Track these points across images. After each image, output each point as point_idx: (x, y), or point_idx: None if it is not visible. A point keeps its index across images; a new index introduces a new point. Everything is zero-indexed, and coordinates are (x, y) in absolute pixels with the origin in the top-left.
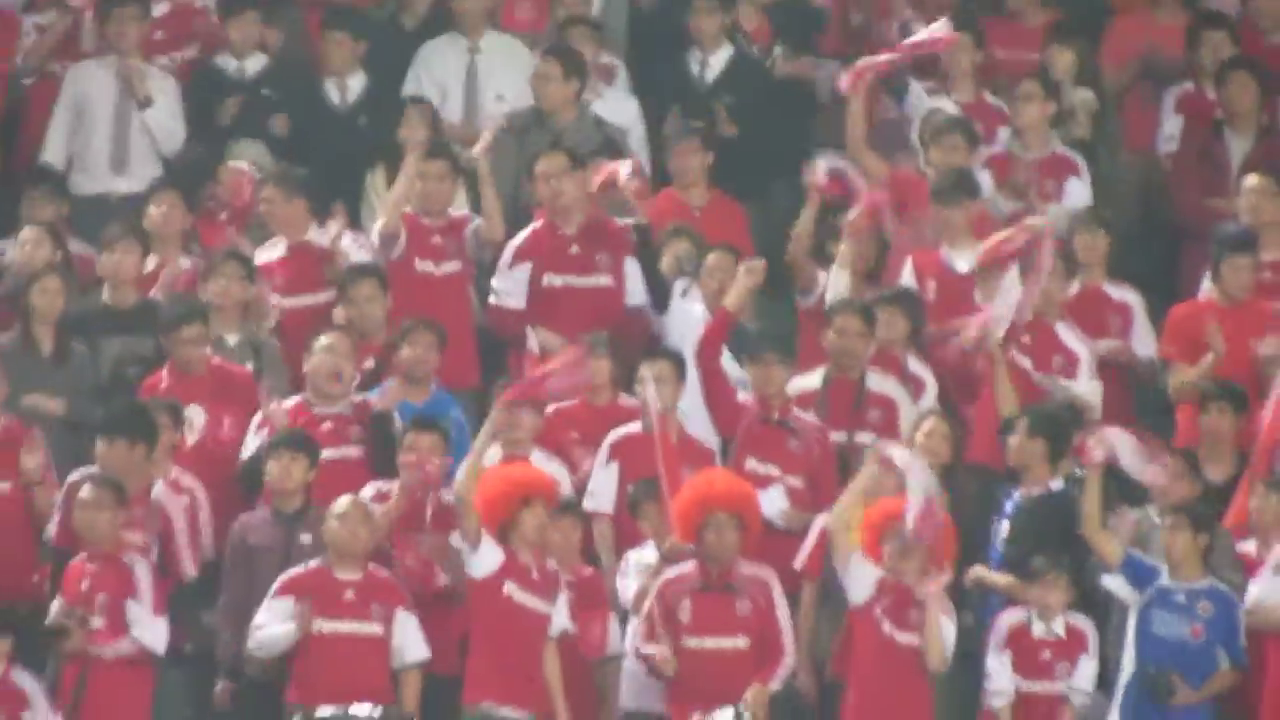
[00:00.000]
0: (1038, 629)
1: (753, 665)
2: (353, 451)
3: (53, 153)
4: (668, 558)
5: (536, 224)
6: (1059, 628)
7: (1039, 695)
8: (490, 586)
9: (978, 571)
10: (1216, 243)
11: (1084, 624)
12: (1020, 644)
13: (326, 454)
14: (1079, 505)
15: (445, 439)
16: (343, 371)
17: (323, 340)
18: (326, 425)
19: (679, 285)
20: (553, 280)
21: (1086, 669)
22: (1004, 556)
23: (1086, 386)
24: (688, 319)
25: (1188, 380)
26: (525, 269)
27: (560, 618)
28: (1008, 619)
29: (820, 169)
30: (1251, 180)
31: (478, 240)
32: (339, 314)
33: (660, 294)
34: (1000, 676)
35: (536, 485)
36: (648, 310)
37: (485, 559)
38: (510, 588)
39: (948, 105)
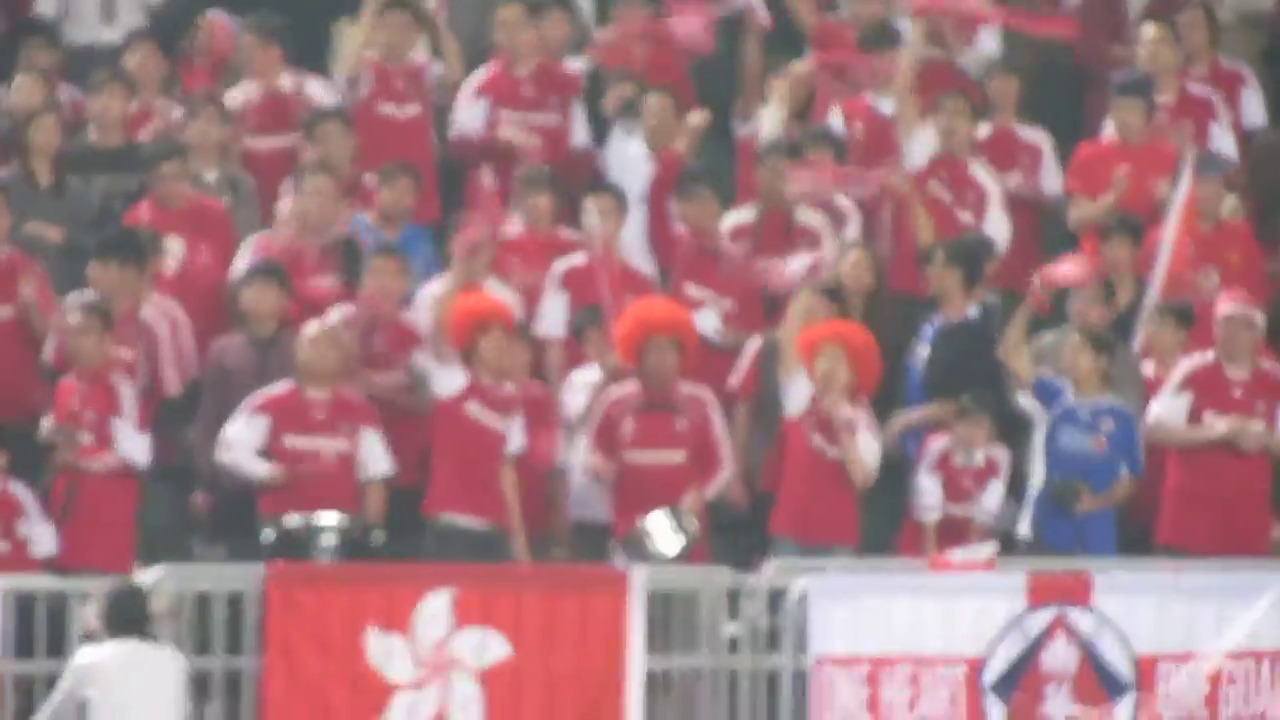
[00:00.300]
0: (960, 457)
1: (691, 477)
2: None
3: (45, 3)
4: (612, 376)
5: (494, 65)
6: (979, 459)
7: (957, 518)
8: (454, 406)
9: (898, 418)
10: (1114, 88)
11: (1000, 454)
12: (944, 469)
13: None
14: (994, 331)
15: (406, 265)
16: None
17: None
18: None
19: (621, 125)
20: (510, 116)
21: (994, 491)
22: (923, 379)
23: (996, 221)
24: (627, 157)
25: (1090, 215)
26: (483, 105)
27: (516, 437)
28: (936, 444)
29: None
30: (1148, 29)
31: (439, 84)
32: (309, 153)
33: (601, 132)
34: (931, 494)
35: (495, 312)
36: (591, 148)
37: (450, 380)
38: (472, 407)
39: None
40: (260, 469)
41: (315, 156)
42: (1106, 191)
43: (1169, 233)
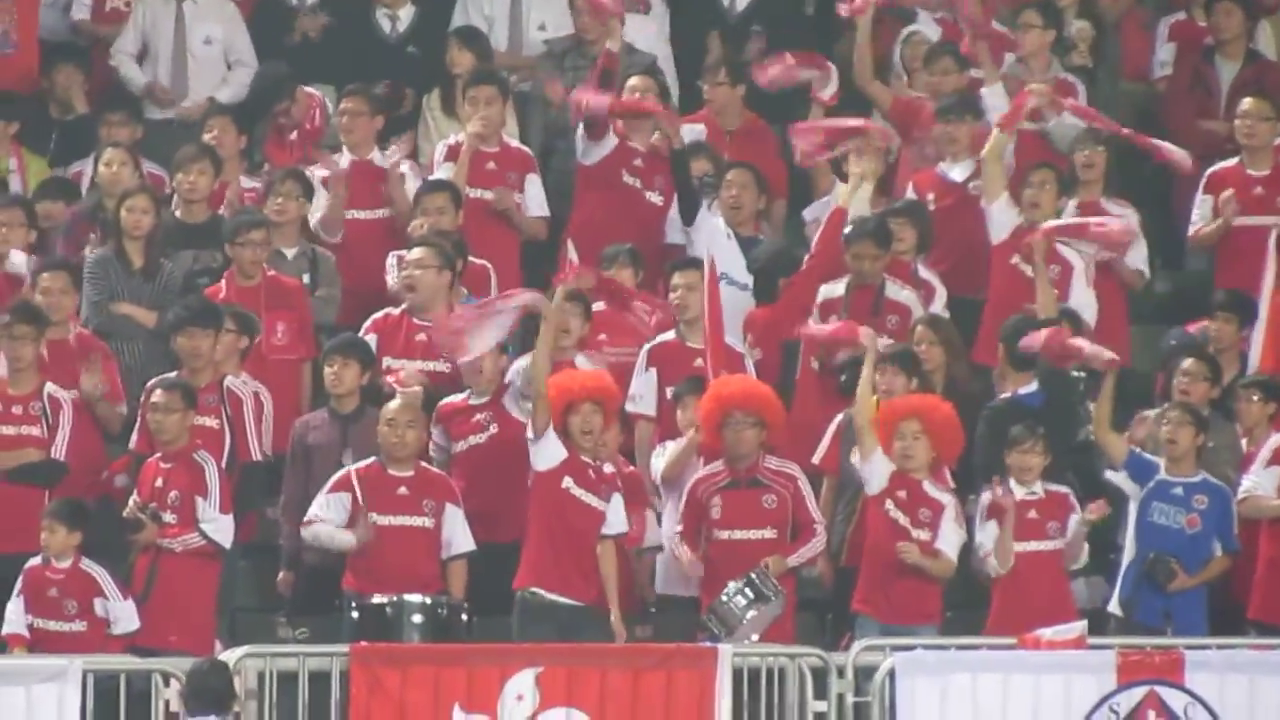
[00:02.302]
0: (1019, 492)
1: (782, 552)
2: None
3: (130, 79)
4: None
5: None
6: (1039, 489)
7: (1034, 554)
8: (551, 479)
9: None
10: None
11: (1063, 489)
12: (999, 513)
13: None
14: (1056, 407)
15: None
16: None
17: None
18: (420, 337)
19: (702, 202)
20: (482, 194)
21: (1073, 524)
22: (978, 463)
23: (1082, 296)
24: (715, 231)
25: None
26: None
27: (617, 517)
28: (987, 493)
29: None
30: (1247, 103)
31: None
32: (415, 225)
33: (689, 205)
34: (989, 542)
35: (585, 390)
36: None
37: (548, 453)
38: (569, 483)
39: (928, 29)
40: (344, 538)
41: (419, 228)
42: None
43: (1263, 309)
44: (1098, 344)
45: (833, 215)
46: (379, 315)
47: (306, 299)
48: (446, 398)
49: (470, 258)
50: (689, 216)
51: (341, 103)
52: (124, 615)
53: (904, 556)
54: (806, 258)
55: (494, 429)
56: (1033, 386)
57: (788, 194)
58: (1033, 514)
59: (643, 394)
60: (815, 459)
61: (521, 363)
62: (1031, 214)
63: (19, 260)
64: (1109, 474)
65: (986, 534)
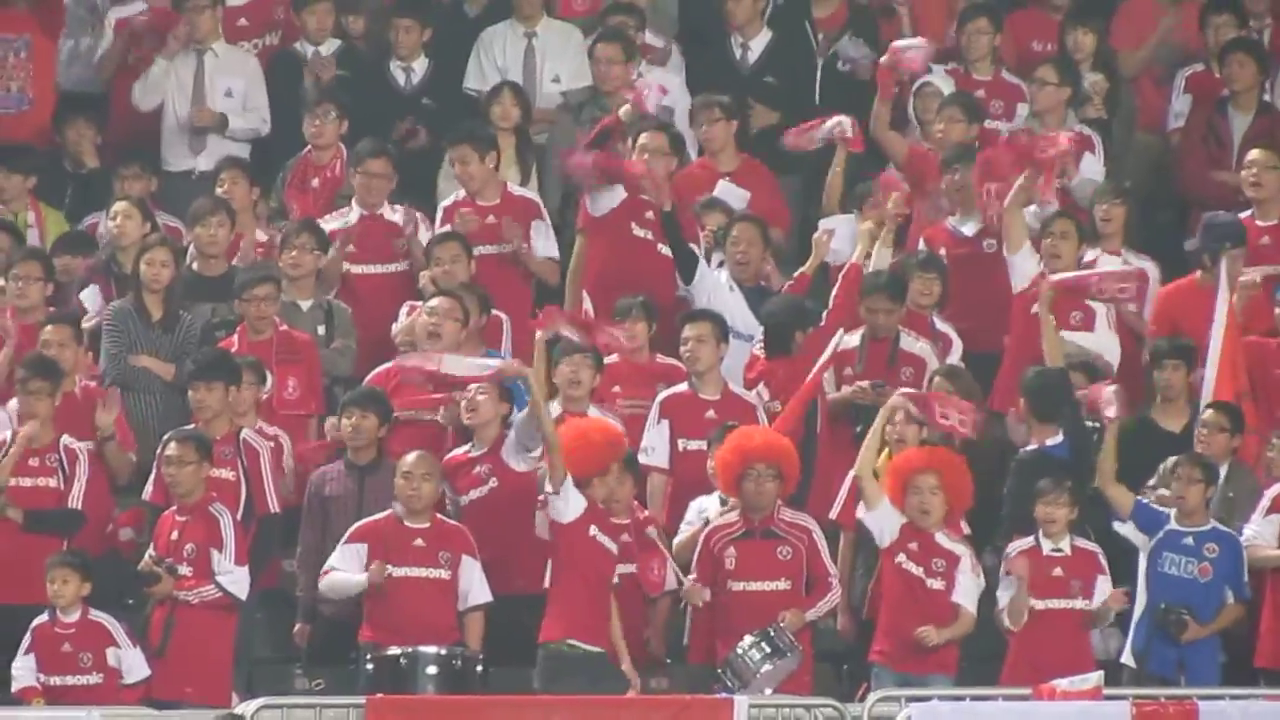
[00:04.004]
0: (1046, 546)
1: (796, 605)
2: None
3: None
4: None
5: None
6: (1065, 546)
7: (1055, 612)
8: (578, 530)
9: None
10: (1211, 234)
11: (1092, 546)
12: (1031, 565)
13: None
14: (1079, 458)
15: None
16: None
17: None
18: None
19: (715, 256)
20: (482, 250)
21: (1104, 586)
22: (1007, 514)
23: (1104, 339)
24: (717, 286)
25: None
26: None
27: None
28: (1015, 546)
29: (847, 125)
30: (1254, 154)
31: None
32: (425, 275)
33: (686, 264)
34: (1007, 597)
35: (622, 446)
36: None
37: (571, 504)
38: (595, 530)
39: (941, 80)
40: (356, 579)
41: (431, 279)
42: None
43: (1213, 353)
44: (1120, 387)
45: (848, 271)
46: (389, 366)
47: (317, 354)
48: (450, 451)
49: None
50: (687, 275)
51: (365, 163)
52: (135, 664)
53: (924, 641)
54: (825, 313)
55: (494, 482)
56: (1059, 438)
57: (791, 229)
58: (1058, 571)
59: (655, 446)
60: (832, 514)
61: (523, 415)
62: (1053, 264)
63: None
64: (1117, 525)
65: (1007, 589)
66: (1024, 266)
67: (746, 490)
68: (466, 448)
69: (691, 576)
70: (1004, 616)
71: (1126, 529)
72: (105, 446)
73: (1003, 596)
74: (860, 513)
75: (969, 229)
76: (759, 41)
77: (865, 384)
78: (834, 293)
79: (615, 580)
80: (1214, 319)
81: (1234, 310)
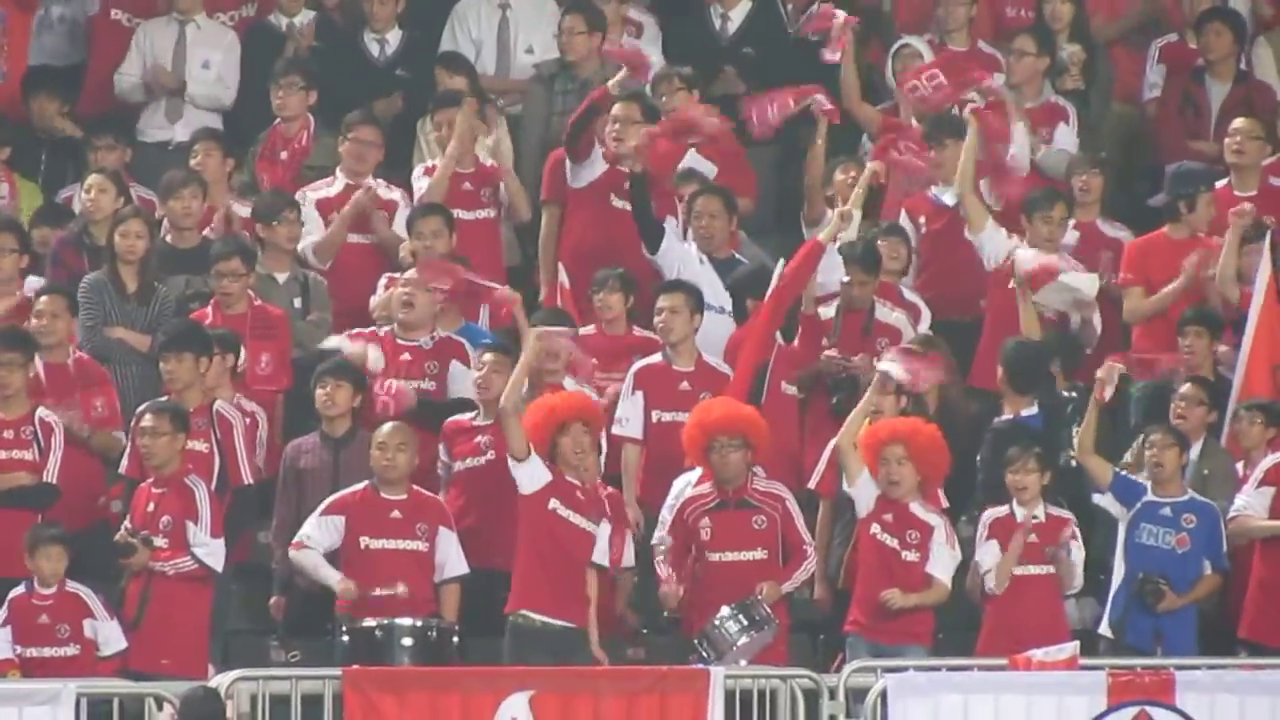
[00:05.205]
0: (1019, 514)
1: (773, 574)
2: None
3: (129, 93)
4: None
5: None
6: (1040, 512)
7: (1030, 578)
8: (537, 502)
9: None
10: (1185, 180)
11: (1065, 514)
12: (1005, 531)
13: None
14: (1056, 432)
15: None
16: (416, 301)
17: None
18: (405, 356)
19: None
20: (461, 215)
21: (1076, 550)
22: (979, 481)
23: (1083, 276)
24: (687, 258)
25: (1147, 307)
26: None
27: (602, 546)
28: (989, 513)
29: (822, 99)
30: (1238, 122)
31: (508, 209)
32: (405, 247)
33: (652, 235)
34: (988, 561)
35: (572, 410)
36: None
37: (533, 476)
38: (555, 504)
39: (922, 49)
40: (329, 574)
41: (411, 251)
42: (1168, 282)
43: (1250, 327)
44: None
45: (809, 246)
46: (365, 331)
47: (290, 329)
48: (454, 415)
49: None
50: (651, 244)
51: (355, 130)
52: (112, 636)
53: (890, 604)
54: (775, 279)
55: (491, 454)
56: (1034, 409)
57: (763, 198)
58: (1032, 537)
59: (629, 417)
60: (811, 483)
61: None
62: (1045, 248)
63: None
64: (1096, 497)
65: (986, 553)
66: (991, 243)
67: (713, 462)
68: (472, 414)
69: (669, 574)
70: (988, 577)
71: (1105, 500)
72: (88, 443)
73: (984, 559)
74: (844, 484)
75: (949, 198)
76: (739, 11)
77: (832, 353)
78: (788, 263)
79: (605, 561)
80: (1254, 288)
81: (1275, 281)
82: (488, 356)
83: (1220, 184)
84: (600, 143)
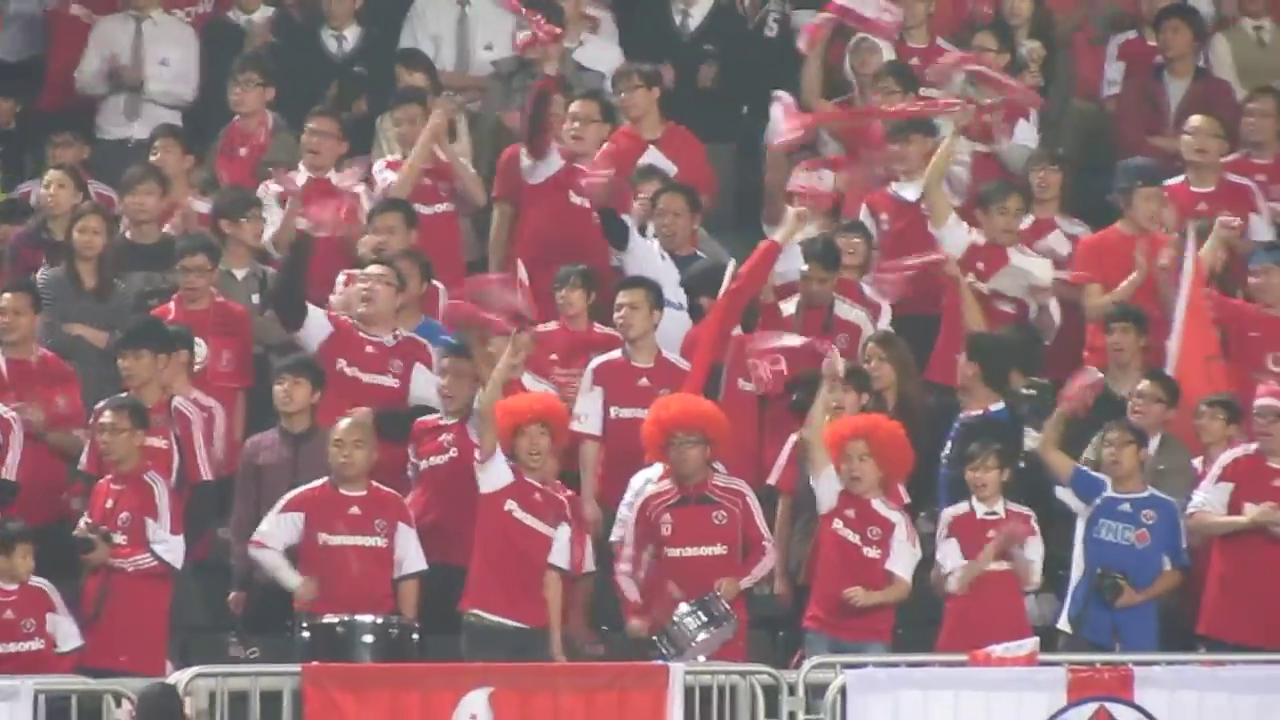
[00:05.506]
0: (979, 510)
1: (734, 570)
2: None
3: (90, 86)
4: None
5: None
6: (999, 508)
7: (990, 574)
8: (494, 502)
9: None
10: (1125, 174)
11: (1025, 511)
12: (965, 529)
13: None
14: (1020, 424)
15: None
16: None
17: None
18: (369, 350)
19: (650, 225)
20: (420, 209)
21: (1034, 547)
22: (945, 477)
23: (1035, 261)
24: (649, 254)
25: (1101, 302)
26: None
27: (561, 548)
28: (949, 511)
29: (788, 102)
30: (1196, 120)
31: (463, 199)
32: (366, 241)
33: (617, 232)
34: (950, 560)
35: (529, 411)
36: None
37: (494, 476)
38: (512, 505)
39: (881, 43)
40: (288, 576)
41: (372, 246)
42: (1123, 279)
43: (1178, 322)
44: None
45: (764, 247)
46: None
47: (251, 327)
48: (423, 416)
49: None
50: (617, 242)
51: (311, 122)
52: (71, 633)
53: (852, 601)
54: (728, 278)
55: (454, 452)
56: (1000, 404)
57: (722, 196)
58: (992, 534)
59: (588, 413)
60: (771, 479)
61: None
62: (1002, 239)
63: None
64: (1058, 492)
65: (947, 551)
66: (953, 237)
67: (672, 458)
68: (439, 414)
69: (635, 602)
70: (950, 579)
71: (1065, 495)
72: (46, 438)
73: (944, 558)
74: (810, 477)
75: (910, 193)
76: (700, 8)
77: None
78: (745, 263)
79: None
80: (1181, 282)
81: (1200, 273)
82: (446, 361)
83: (1177, 180)
84: (558, 139)
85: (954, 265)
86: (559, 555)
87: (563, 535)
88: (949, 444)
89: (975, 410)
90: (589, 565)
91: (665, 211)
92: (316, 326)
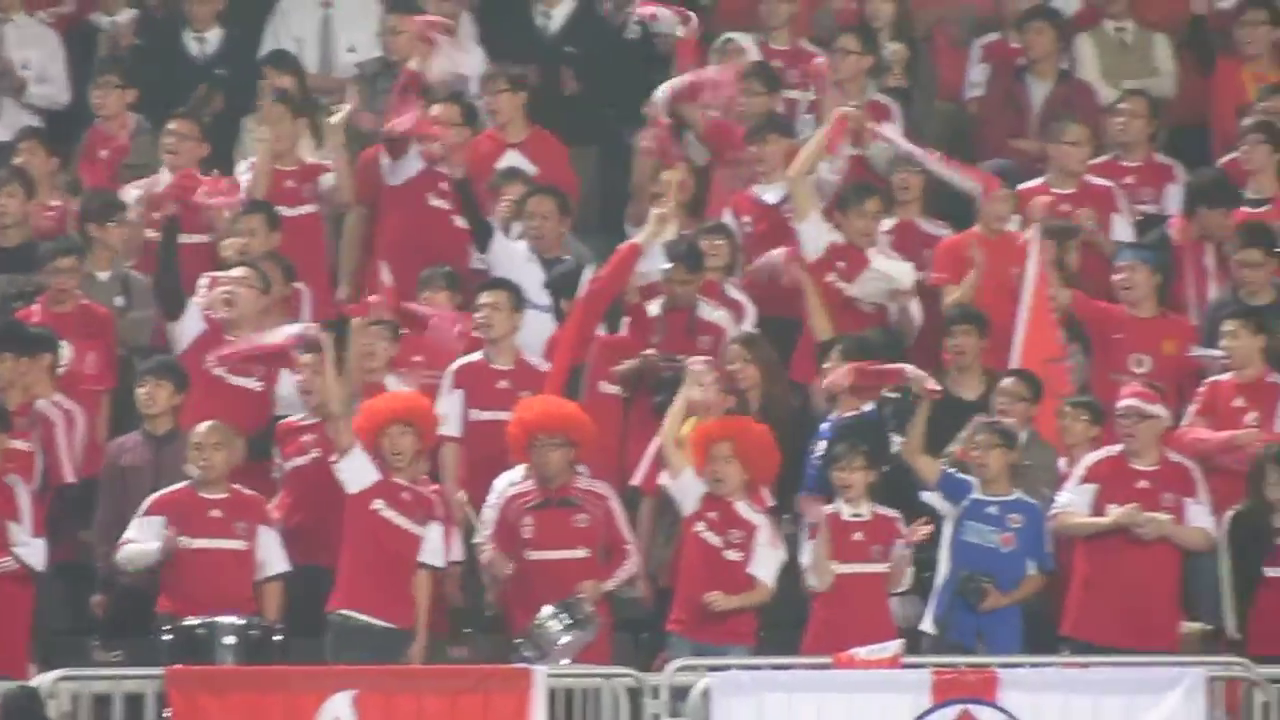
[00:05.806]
0: (845, 511)
1: (595, 573)
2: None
3: None
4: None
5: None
6: (865, 511)
7: (855, 576)
8: (360, 502)
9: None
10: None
11: (891, 512)
12: (831, 530)
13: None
14: (888, 424)
15: None
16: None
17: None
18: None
19: (515, 227)
20: (284, 211)
21: (898, 549)
22: (818, 477)
23: (897, 264)
24: (514, 256)
25: (954, 300)
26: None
27: (433, 548)
28: (814, 514)
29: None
30: (1068, 127)
31: (329, 196)
32: (230, 244)
33: (480, 233)
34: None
35: (388, 412)
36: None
37: (357, 475)
38: (379, 505)
39: (747, 44)
40: (149, 549)
41: (237, 249)
42: (966, 277)
43: (1021, 325)
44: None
45: (625, 249)
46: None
47: (115, 329)
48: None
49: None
50: (482, 244)
51: (170, 124)
52: None
53: (712, 606)
54: (588, 281)
55: (316, 452)
56: (871, 404)
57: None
58: (858, 535)
59: (448, 415)
60: (635, 480)
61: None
62: (861, 241)
63: None
64: (924, 495)
65: (809, 551)
66: (813, 234)
67: (534, 461)
68: (301, 415)
69: (490, 546)
70: (809, 575)
71: (933, 497)
72: None
73: (807, 558)
74: (665, 480)
75: (772, 196)
76: (562, 10)
77: (650, 353)
78: (605, 265)
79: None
80: (1023, 284)
81: (1045, 275)
82: (306, 357)
83: (1037, 182)
84: (418, 141)
85: (798, 268)
86: (430, 554)
87: (433, 533)
88: (821, 445)
89: (849, 411)
90: (455, 554)
91: (535, 214)
92: (193, 320)
